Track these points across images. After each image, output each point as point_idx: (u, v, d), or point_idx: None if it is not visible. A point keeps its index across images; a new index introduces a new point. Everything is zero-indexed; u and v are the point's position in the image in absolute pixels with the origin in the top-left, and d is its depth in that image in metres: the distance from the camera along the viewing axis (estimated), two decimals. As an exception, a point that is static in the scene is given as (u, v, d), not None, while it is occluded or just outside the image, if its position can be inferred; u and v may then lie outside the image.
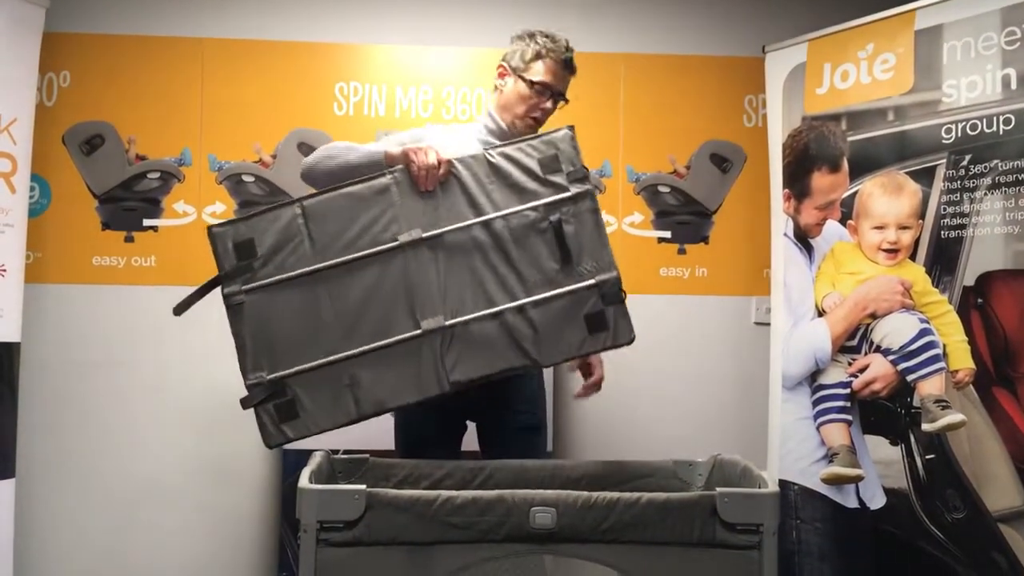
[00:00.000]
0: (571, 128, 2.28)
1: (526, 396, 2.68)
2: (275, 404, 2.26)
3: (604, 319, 2.23)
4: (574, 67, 2.65)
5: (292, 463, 3.22)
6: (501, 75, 2.68)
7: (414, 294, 2.23)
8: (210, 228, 2.27)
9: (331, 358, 2.22)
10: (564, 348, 2.25)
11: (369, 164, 2.37)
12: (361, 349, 2.22)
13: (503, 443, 2.64)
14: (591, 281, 2.23)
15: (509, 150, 2.27)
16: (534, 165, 2.26)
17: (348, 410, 2.24)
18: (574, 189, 2.24)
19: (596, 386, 2.65)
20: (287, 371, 2.25)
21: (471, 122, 2.73)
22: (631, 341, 2.28)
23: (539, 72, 2.59)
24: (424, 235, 2.23)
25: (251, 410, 3.53)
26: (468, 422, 2.70)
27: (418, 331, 2.21)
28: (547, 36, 2.61)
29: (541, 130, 2.56)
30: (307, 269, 2.23)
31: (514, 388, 2.61)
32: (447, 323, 2.21)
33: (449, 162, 2.25)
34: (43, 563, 3.42)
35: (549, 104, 2.61)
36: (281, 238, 2.24)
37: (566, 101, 2.66)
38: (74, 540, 3.45)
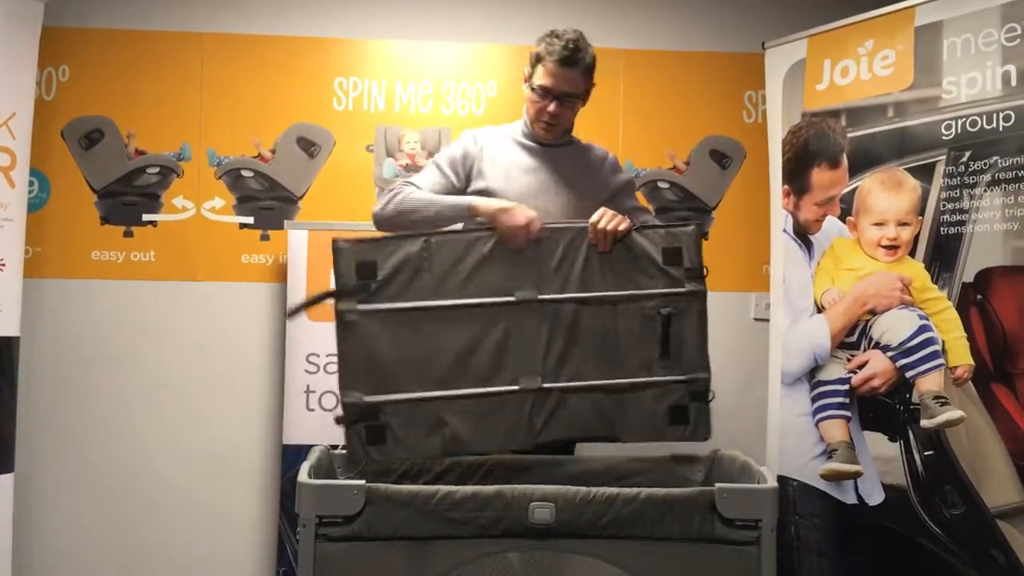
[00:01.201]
0: (698, 225, 2.37)
1: None
2: (366, 426, 2.26)
3: (687, 414, 2.31)
4: (579, 62, 2.55)
5: (291, 458, 3.22)
6: (524, 80, 2.69)
7: (517, 350, 2.28)
8: (335, 242, 2.28)
9: (427, 395, 2.25)
10: (645, 432, 2.33)
11: (452, 217, 2.44)
12: (457, 393, 2.26)
13: None
14: (683, 377, 2.30)
15: (635, 234, 2.32)
16: (656, 254, 2.31)
17: (433, 448, 2.29)
18: (689, 287, 2.31)
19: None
20: (384, 397, 2.26)
21: (511, 123, 2.75)
22: (707, 439, 2.35)
23: (539, 76, 2.57)
24: (540, 297, 2.28)
25: (251, 404, 3.54)
26: None
27: (515, 387, 2.27)
28: (552, 36, 2.57)
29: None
30: (423, 304, 2.26)
31: None
32: (544, 385, 2.27)
33: (538, 220, 2.29)
34: (42, 557, 3.42)
35: (553, 107, 2.57)
36: (402, 267, 2.26)
37: (581, 100, 2.63)
38: (73, 534, 3.45)
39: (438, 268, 2.27)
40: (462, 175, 2.59)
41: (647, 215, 2.69)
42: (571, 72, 2.54)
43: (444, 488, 1.98)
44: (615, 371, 2.29)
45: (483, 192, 2.54)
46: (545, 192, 2.58)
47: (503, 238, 2.29)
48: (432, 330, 2.26)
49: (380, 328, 2.25)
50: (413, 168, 3.60)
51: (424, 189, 2.54)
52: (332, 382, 3.29)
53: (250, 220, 3.57)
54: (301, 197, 3.59)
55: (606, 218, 2.31)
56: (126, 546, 3.47)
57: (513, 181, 2.58)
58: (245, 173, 3.58)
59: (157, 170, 3.55)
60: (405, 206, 2.48)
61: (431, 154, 3.61)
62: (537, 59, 2.57)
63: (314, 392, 3.32)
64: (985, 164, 2.63)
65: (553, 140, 2.66)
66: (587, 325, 2.29)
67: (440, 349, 2.26)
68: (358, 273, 2.26)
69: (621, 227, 2.31)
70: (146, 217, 3.54)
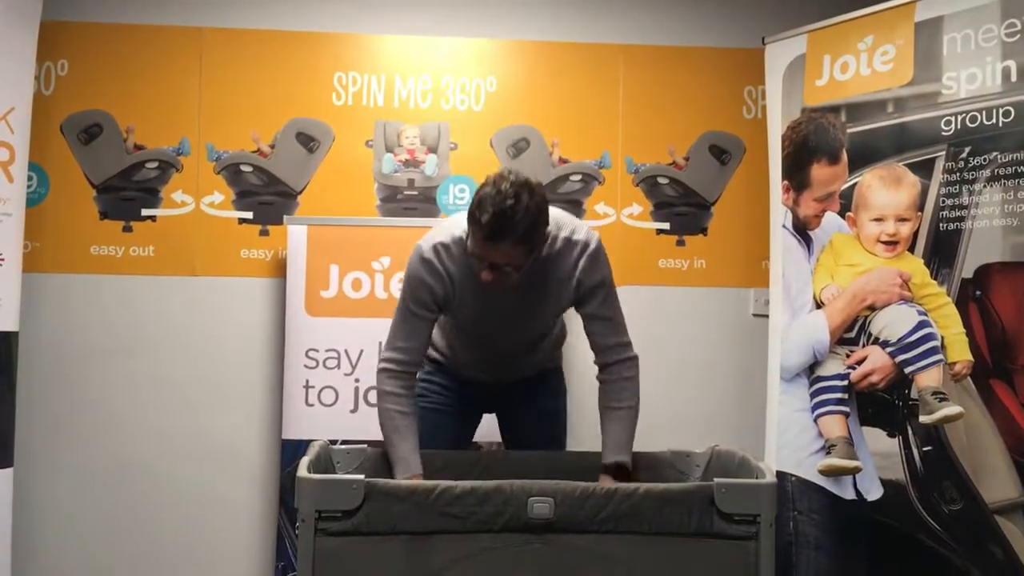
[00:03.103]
0: None
1: (550, 387, 2.71)
2: None
3: None
4: (508, 235, 2.11)
5: (291, 453, 3.22)
6: None
7: None
8: None
9: None
10: None
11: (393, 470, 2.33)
12: None
13: (524, 429, 2.67)
14: None
15: None
16: None
17: None
18: None
19: None
20: None
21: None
22: None
23: (471, 240, 2.20)
24: None
25: (250, 399, 3.54)
26: (485, 415, 2.73)
27: None
28: (485, 192, 2.12)
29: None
30: None
31: (538, 380, 2.65)
32: None
33: None
34: (41, 552, 3.42)
35: (486, 275, 2.20)
36: None
37: (518, 268, 2.20)
38: (72, 528, 3.45)
39: None
40: (436, 307, 2.35)
41: (606, 323, 2.38)
42: (500, 245, 2.13)
43: (443, 483, 1.98)
44: None
45: (455, 310, 2.36)
46: (506, 324, 2.39)
47: None
48: None
49: None
50: (412, 163, 3.60)
51: (413, 343, 2.36)
52: (331, 377, 3.32)
53: (249, 215, 3.57)
54: (300, 192, 3.59)
55: None
56: (125, 541, 3.47)
57: (476, 312, 2.36)
58: (244, 168, 3.57)
59: (156, 165, 3.54)
60: (380, 414, 2.37)
61: (430, 149, 3.61)
62: (470, 220, 2.16)
63: (313, 387, 3.32)
64: (985, 160, 2.63)
65: None
66: None
67: None
68: None
69: None
70: (145, 212, 3.54)
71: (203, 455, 3.51)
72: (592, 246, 2.33)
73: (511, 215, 2.09)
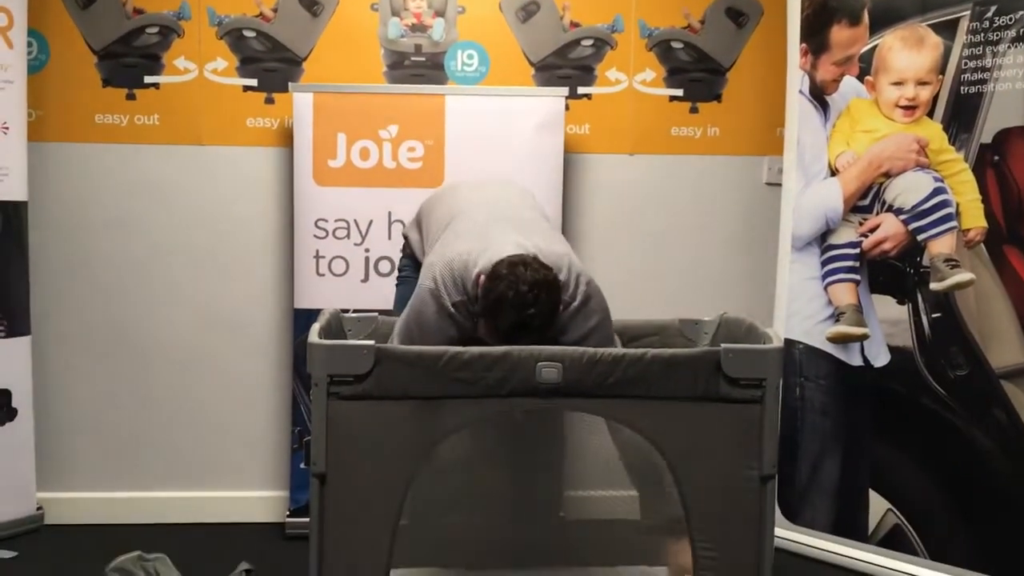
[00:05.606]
0: None
1: None
2: None
3: None
4: (527, 336, 2.07)
5: (303, 322, 3.25)
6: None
7: None
8: None
9: None
10: None
11: None
12: None
13: None
14: None
15: None
16: None
17: None
18: None
19: None
20: None
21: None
22: None
23: (486, 332, 2.17)
24: None
25: (261, 269, 3.55)
26: None
27: None
28: (501, 299, 2.09)
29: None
30: None
31: None
32: None
33: None
34: (59, 418, 3.49)
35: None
36: None
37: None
38: (88, 396, 3.51)
39: None
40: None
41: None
42: (520, 344, 2.04)
43: (452, 348, 2.00)
44: None
45: None
46: None
47: None
48: None
49: None
50: (419, 27, 3.50)
51: None
52: (341, 247, 3.32)
53: (254, 82, 3.50)
54: (305, 58, 3.50)
55: None
56: (141, 409, 3.53)
57: None
58: (247, 33, 3.48)
59: (157, 30, 3.45)
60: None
61: (437, 13, 3.50)
62: (486, 312, 2.14)
63: (323, 257, 3.33)
64: (1010, 19, 2.54)
65: None
66: None
67: None
68: None
69: None
70: (148, 79, 3.46)
71: (216, 324, 3.54)
72: (575, 303, 2.23)
73: (530, 321, 2.09)
